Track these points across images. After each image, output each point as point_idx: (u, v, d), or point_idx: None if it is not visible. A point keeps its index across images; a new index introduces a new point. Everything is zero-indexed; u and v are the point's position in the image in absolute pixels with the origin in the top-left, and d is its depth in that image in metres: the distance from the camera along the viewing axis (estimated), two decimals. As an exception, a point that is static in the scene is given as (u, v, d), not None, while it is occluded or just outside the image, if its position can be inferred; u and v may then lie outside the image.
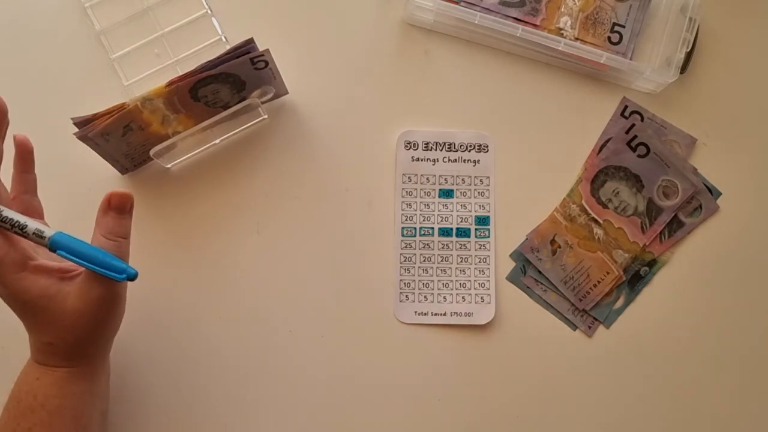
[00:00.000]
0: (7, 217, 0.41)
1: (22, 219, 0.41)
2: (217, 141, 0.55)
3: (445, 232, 0.56)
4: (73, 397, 0.44)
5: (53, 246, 0.41)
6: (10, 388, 0.45)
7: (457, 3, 0.57)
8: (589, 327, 0.56)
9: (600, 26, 0.58)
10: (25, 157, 0.47)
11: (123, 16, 0.56)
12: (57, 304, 0.42)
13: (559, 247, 0.57)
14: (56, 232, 0.41)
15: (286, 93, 0.56)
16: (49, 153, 0.54)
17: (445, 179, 0.57)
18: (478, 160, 0.57)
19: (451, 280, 0.56)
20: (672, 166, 0.57)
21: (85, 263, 0.40)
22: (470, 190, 0.57)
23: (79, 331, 0.43)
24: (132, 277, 0.42)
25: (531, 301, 0.56)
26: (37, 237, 0.41)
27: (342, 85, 0.57)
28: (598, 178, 0.57)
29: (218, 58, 0.48)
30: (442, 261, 0.56)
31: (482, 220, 0.56)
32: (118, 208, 0.43)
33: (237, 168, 0.56)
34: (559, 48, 0.55)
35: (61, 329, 0.42)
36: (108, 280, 0.42)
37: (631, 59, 0.58)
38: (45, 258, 0.44)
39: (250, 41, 0.48)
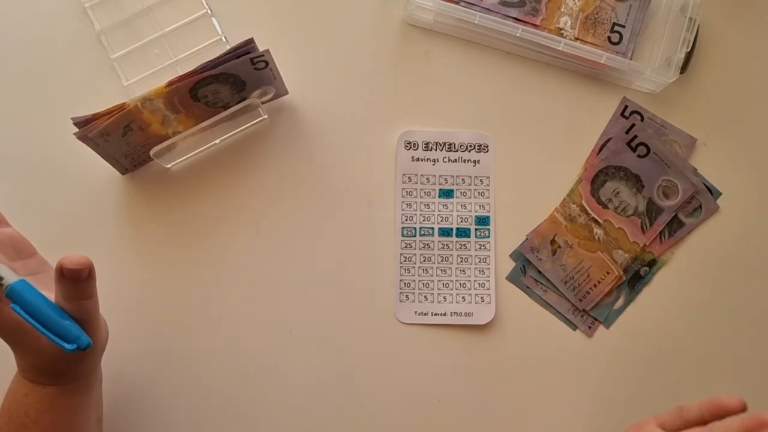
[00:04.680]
0: None
1: None
2: (217, 141, 0.55)
3: (445, 232, 0.56)
4: (66, 411, 0.43)
5: (9, 296, 0.37)
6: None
7: (457, 3, 0.57)
8: (589, 327, 0.56)
9: (600, 26, 0.58)
10: None
11: (123, 16, 0.56)
12: (33, 341, 0.40)
13: (559, 247, 0.57)
14: (18, 280, 0.37)
15: (286, 93, 0.56)
16: (49, 153, 0.54)
17: (445, 179, 0.57)
18: (478, 160, 0.57)
19: (451, 280, 0.56)
20: (672, 166, 0.57)
21: (36, 326, 0.37)
22: (470, 190, 0.57)
23: (59, 364, 0.41)
24: (83, 348, 0.38)
25: (531, 301, 0.56)
26: None
27: (342, 85, 0.57)
28: (598, 178, 0.57)
29: (218, 58, 0.48)
30: (442, 261, 0.56)
31: (482, 220, 0.56)
32: (72, 278, 0.38)
33: (237, 168, 0.56)
34: (559, 48, 0.55)
35: (40, 360, 0.41)
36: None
37: (631, 59, 0.58)
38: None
39: (250, 41, 0.48)
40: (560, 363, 0.56)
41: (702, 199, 0.58)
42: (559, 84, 0.58)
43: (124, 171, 0.54)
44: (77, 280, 0.38)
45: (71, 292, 0.38)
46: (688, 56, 0.57)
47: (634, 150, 0.57)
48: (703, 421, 0.44)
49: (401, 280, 0.55)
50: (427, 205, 0.56)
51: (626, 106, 0.58)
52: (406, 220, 0.56)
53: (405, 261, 0.56)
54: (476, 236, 0.56)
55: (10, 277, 0.37)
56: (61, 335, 0.37)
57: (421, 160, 0.57)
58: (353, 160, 0.56)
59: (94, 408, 0.46)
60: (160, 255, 0.54)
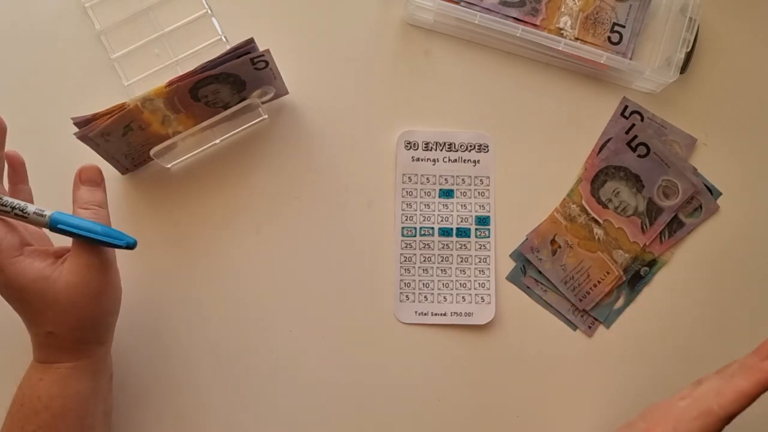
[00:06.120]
0: (7, 201, 0.43)
1: (21, 203, 0.43)
2: (217, 141, 0.55)
3: (445, 232, 0.56)
4: (77, 397, 0.44)
5: (53, 222, 0.42)
6: (7, 388, 0.45)
7: (457, 3, 0.57)
8: (589, 327, 0.56)
9: (600, 26, 0.58)
10: (17, 169, 0.48)
11: (123, 16, 0.56)
12: (53, 285, 0.42)
13: (559, 247, 0.57)
14: (56, 211, 0.43)
15: (286, 93, 0.56)
16: (49, 153, 0.54)
17: (445, 179, 0.57)
18: (478, 160, 0.57)
19: (451, 280, 0.56)
20: (672, 166, 0.57)
21: (87, 234, 0.42)
22: (470, 190, 0.57)
23: (78, 311, 0.43)
24: (132, 245, 0.43)
25: (531, 301, 0.56)
26: (38, 216, 0.42)
27: (342, 85, 0.57)
28: (598, 178, 0.57)
29: (218, 58, 0.48)
30: (442, 261, 0.56)
31: (482, 220, 0.56)
32: (89, 180, 0.45)
33: (237, 168, 0.56)
34: (559, 48, 0.55)
35: (59, 312, 0.42)
36: (95, 248, 0.43)
37: (631, 59, 0.58)
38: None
39: (251, 41, 0.48)
40: (560, 363, 0.56)
41: (702, 199, 0.58)
42: (559, 84, 0.58)
43: (124, 171, 0.54)
44: (94, 183, 0.45)
45: (90, 197, 0.44)
46: (688, 56, 0.57)
47: (634, 150, 0.57)
48: None
49: (401, 280, 0.55)
50: (427, 205, 0.56)
51: (626, 106, 0.58)
52: (406, 220, 0.56)
53: (405, 261, 0.56)
54: (476, 236, 0.56)
55: (48, 210, 0.43)
56: (109, 236, 0.42)
57: (421, 160, 0.57)
58: (353, 160, 0.56)
59: (102, 399, 0.47)
60: (159, 255, 0.54)
